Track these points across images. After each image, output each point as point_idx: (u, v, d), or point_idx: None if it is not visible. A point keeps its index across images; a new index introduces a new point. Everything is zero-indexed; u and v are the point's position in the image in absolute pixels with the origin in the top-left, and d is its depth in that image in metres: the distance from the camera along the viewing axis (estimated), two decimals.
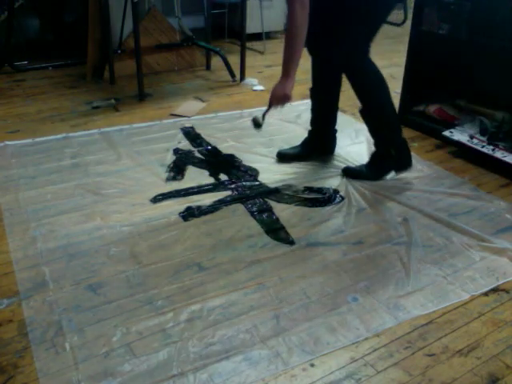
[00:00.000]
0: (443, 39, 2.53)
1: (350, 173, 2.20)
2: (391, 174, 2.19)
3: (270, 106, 2.02)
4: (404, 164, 2.18)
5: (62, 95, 3.07)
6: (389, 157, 2.15)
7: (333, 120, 2.35)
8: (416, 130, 2.70)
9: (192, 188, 2.09)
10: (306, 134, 2.38)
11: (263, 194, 2.06)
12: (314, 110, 2.33)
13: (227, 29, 4.42)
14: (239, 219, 1.90)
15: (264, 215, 1.92)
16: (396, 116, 2.17)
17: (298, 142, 2.41)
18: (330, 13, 1.96)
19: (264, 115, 2.07)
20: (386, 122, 2.13)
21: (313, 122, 2.36)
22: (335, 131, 2.39)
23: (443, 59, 2.63)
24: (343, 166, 2.28)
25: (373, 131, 2.17)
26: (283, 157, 2.35)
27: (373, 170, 2.19)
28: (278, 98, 1.97)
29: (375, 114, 2.12)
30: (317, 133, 2.36)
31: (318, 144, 2.39)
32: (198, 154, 2.38)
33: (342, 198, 2.04)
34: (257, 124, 2.08)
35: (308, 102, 2.37)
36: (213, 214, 1.92)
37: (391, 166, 2.18)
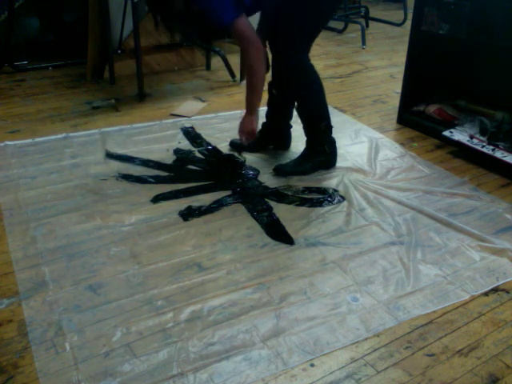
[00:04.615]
0: (443, 39, 2.53)
1: (282, 170, 2.21)
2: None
3: (241, 142, 2.21)
4: (332, 162, 2.28)
5: (62, 95, 3.07)
6: (323, 153, 2.23)
7: (287, 115, 2.38)
8: (416, 130, 2.70)
9: (192, 188, 2.09)
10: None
11: (263, 194, 2.06)
12: (269, 103, 2.38)
13: None
14: (239, 219, 1.90)
15: (264, 215, 1.92)
16: (329, 116, 2.22)
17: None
18: (279, 10, 2.03)
19: (240, 151, 2.29)
20: (320, 119, 2.19)
21: (267, 115, 2.40)
22: (290, 126, 2.42)
23: (443, 59, 2.63)
24: (343, 165, 2.29)
25: (307, 128, 2.22)
26: (234, 146, 2.42)
27: (305, 165, 2.23)
28: (247, 133, 2.14)
29: (310, 112, 2.20)
30: (270, 126, 2.41)
31: (271, 138, 2.44)
32: (198, 154, 2.38)
33: (342, 198, 2.04)
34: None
35: None
36: (213, 214, 1.92)
37: (323, 161, 2.25)
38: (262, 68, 1.99)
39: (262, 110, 2.43)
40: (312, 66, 2.11)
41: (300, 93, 2.15)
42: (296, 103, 2.21)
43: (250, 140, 2.18)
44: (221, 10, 1.87)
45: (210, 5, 1.87)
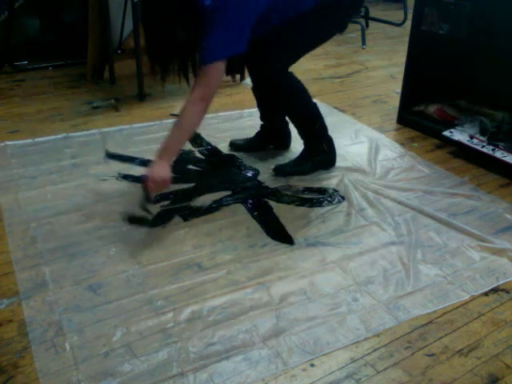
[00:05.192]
0: (443, 39, 2.53)
1: (281, 170, 2.21)
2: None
3: (148, 194, 1.77)
4: (332, 161, 2.27)
5: (62, 95, 3.07)
6: (322, 152, 2.23)
7: (280, 115, 2.36)
8: (416, 130, 2.70)
9: (192, 188, 2.09)
10: None
11: (263, 194, 2.06)
12: (259, 106, 2.37)
13: None
14: (239, 219, 1.90)
15: (264, 215, 1.92)
16: (321, 115, 2.20)
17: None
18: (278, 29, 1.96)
19: (145, 205, 1.78)
20: (312, 122, 2.18)
21: (261, 117, 2.40)
22: (286, 123, 2.40)
23: (443, 59, 2.63)
24: (343, 165, 2.29)
25: (302, 132, 2.22)
26: (234, 146, 2.41)
27: (305, 165, 2.22)
28: (160, 182, 1.75)
29: (300, 117, 2.19)
30: (268, 127, 2.41)
31: (271, 138, 2.43)
32: (198, 154, 2.38)
33: (342, 198, 2.04)
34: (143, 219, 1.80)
35: None
36: (213, 214, 1.92)
37: (322, 161, 2.24)
38: (199, 121, 1.82)
39: (255, 111, 2.44)
40: (291, 72, 2.07)
41: (286, 100, 2.12)
42: (286, 112, 2.19)
43: (160, 191, 1.87)
44: (231, 42, 1.72)
45: (225, 33, 1.71)
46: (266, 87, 2.15)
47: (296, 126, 2.21)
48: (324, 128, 2.22)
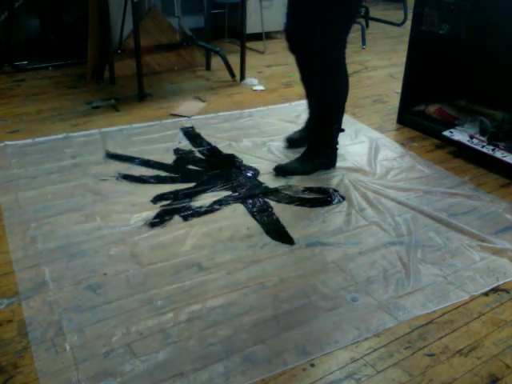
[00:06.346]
0: (443, 39, 2.53)
1: (282, 170, 2.21)
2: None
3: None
4: (332, 163, 2.28)
5: (62, 95, 3.07)
6: (325, 155, 2.23)
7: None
8: (416, 130, 2.70)
9: (192, 188, 2.09)
10: None
11: (263, 194, 2.06)
12: (307, 96, 2.37)
13: (227, 29, 4.42)
14: (239, 219, 1.90)
15: (264, 215, 1.92)
16: (341, 121, 2.21)
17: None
18: (308, 8, 2.01)
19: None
20: (333, 120, 2.19)
21: (308, 107, 2.39)
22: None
23: (443, 59, 2.64)
24: (343, 165, 2.29)
25: (317, 128, 2.22)
26: (290, 142, 2.42)
27: (306, 166, 2.22)
28: None
29: (327, 111, 2.19)
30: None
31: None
32: (198, 154, 2.38)
33: (342, 198, 2.04)
34: None
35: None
36: (213, 214, 1.92)
37: (323, 163, 2.25)
38: None
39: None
40: (346, 68, 2.10)
41: (327, 88, 2.12)
42: (317, 99, 2.18)
43: None
44: None
45: None
46: (320, 69, 2.11)
47: (318, 118, 2.20)
48: (338, 132, 2.22)
